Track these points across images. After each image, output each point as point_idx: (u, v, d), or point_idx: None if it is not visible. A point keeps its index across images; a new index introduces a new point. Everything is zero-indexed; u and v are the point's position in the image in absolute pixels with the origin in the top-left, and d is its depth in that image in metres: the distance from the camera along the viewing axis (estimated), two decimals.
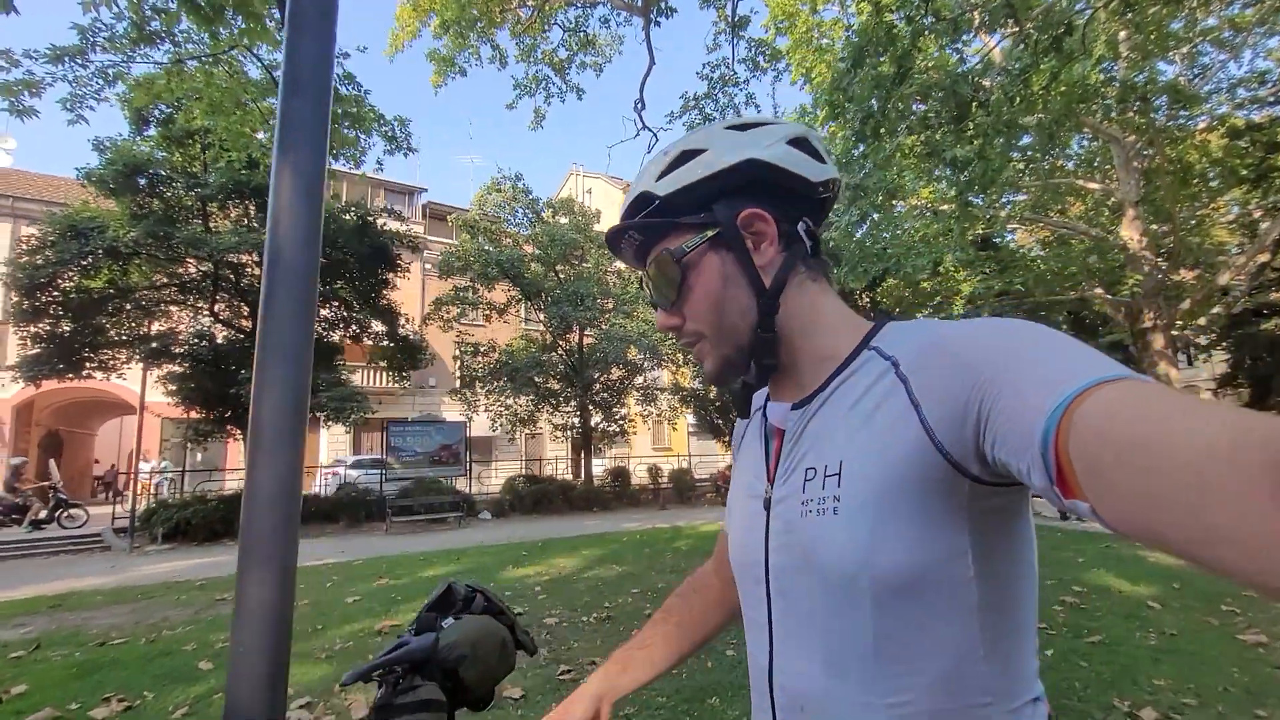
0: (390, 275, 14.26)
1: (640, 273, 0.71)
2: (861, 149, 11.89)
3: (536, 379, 15.42)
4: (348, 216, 13.61)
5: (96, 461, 26.37)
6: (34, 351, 10.98)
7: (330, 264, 13.35)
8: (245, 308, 13.12)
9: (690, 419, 21.76)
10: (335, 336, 14.37)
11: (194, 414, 12.65)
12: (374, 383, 21.28)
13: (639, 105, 13.50)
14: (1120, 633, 4.43)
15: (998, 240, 20.00)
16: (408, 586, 6.58)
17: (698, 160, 0.64)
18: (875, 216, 14.94)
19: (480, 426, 18.10)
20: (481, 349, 15.84)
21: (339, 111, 10.66)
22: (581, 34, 13.18)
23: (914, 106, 11.86)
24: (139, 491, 15.91)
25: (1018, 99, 11.50)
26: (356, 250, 12.99)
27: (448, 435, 15.62)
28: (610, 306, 17.08)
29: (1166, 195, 15.56)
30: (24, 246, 10.46)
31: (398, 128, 11.79)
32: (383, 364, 15.20)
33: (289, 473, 0.98)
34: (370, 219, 13.53)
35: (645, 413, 17.73)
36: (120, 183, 10.95)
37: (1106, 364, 0.44)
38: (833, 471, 0.58)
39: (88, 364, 11.81)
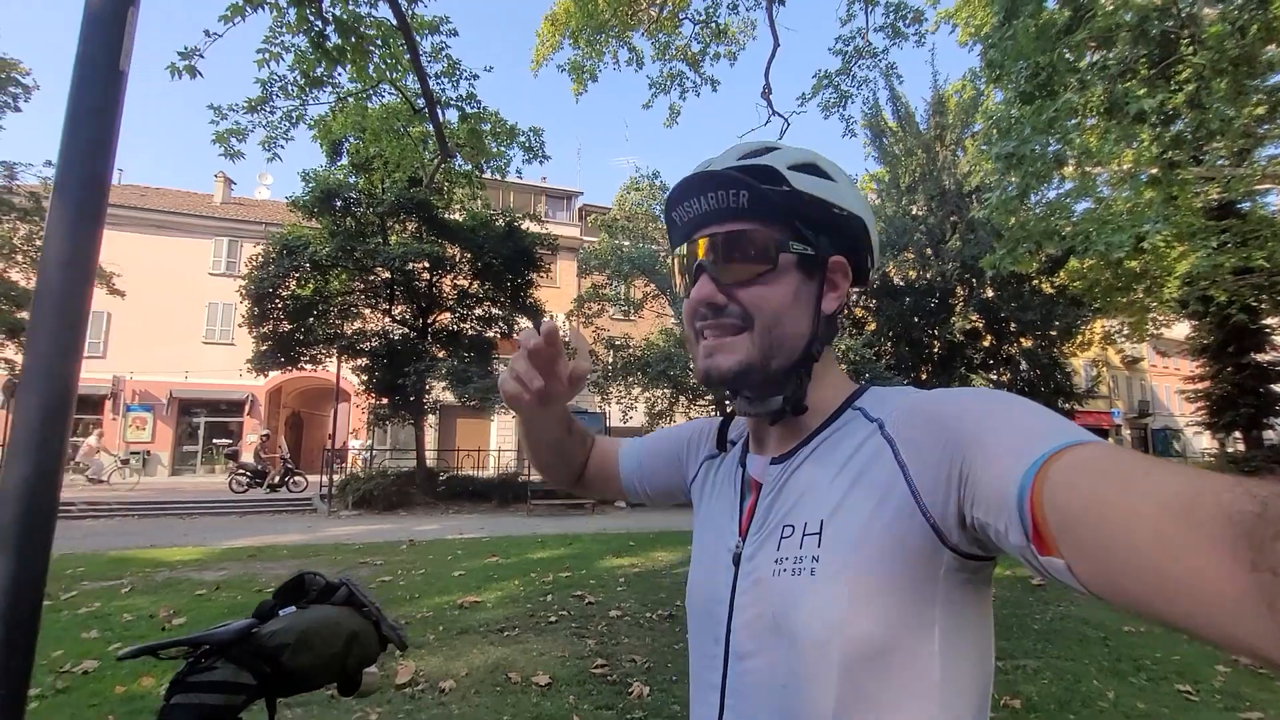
0: (534, 275, 15.35)
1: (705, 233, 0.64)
2: (1017, 113, 10.29)
3: (670, 372, 15.62)
4: (498, 223, 14.88)
5: (330, 437, 31.87)
6: (263, 349, 13.60)
7: (482, 268, 14.74)
8: (416, 309, 14.99)
9: None
10: (490, 333, 15.87)
11: (374, 400, 14.79)
12: None
13: (766, 90, 13.02)
14: None
15: (1244, 206, 16.04)
16: (510, 566, 7.12)
17: (828, 184, 0.64)
18: (1068, 184, 12.78)
19: (637, 420, 18.83)
20: (616, 344, 16.44)
21: (482, 129, 11.71)
22: (713, 24, 13.02)
23: (1089, 57, 9.98)
24: (352, 464, 19.08)
25: (1255, 27, 9.23)
26: (503, 253, 14.18)
27: (588, 425, 16.45)
28: None
29: None
30: (253, 264, 13.03)
31: (533, 137, 12.66)
32: None
33: (40, 474, 1.13)
34: (516, 224, 14.67)
35: None
36: (319, 206, 13.11)
37: (1077, 430, 0.45)
38: (813, 530, 0.57)
39: (302, 358, 14.34)
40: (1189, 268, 14.23)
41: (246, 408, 23.90)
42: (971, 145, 17.84)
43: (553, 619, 4.97)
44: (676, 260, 0.69)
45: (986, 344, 17.87)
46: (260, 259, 13.09)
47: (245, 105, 8.32)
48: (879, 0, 11.92)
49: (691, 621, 0.70)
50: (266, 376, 14.09)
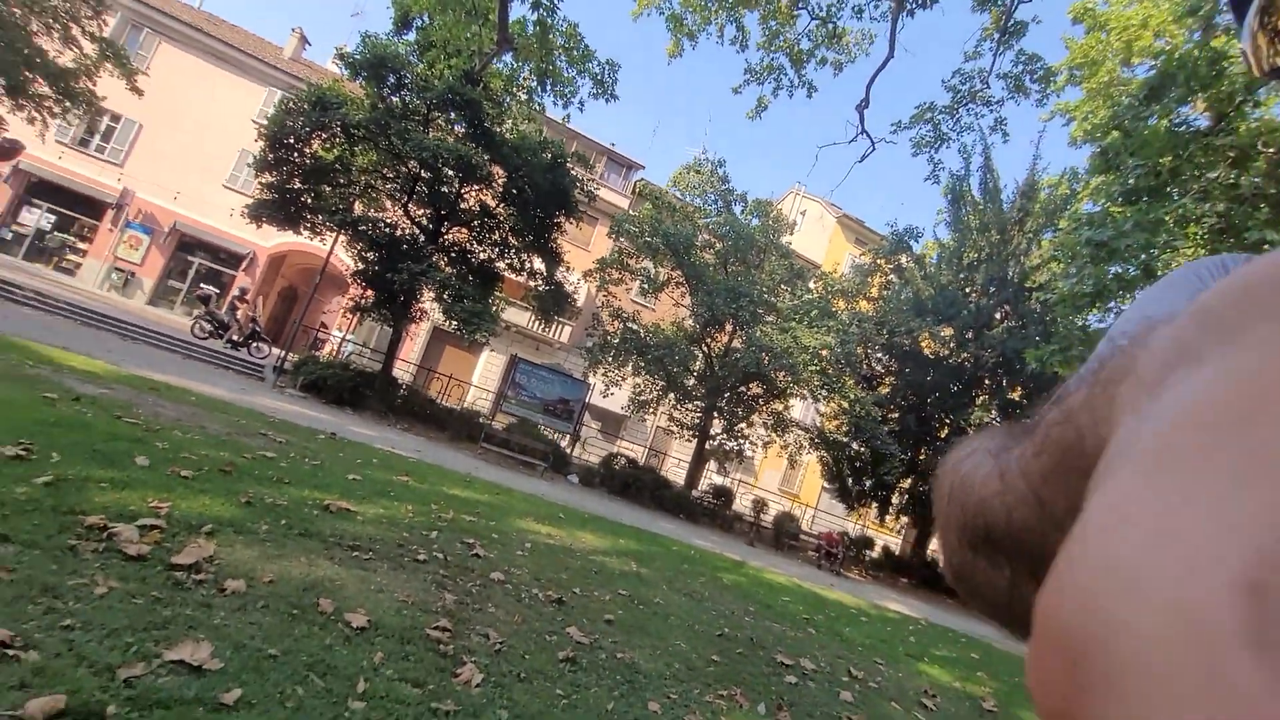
0: (564, 220, 14.47)
1: None
2: (1132, 215, 9.28)
3: (667, 362, 14.72)
4: (545, 155, 14.00)
5: (323, 326, 31.14)
6: (265, 198, 12.80)
7: (515, 193, 13.83)
8: (434, 214, 14.14)
9: (825, 479, 19.53)
10: (500, 264, 15.01)
11: (361, 290, 13.98)
12: (542, 329, 22.29)
13: (863, 103, 12.10)
14: None
15: None
16: (415, 490, 6.25)
17: None
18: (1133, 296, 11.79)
19: (617, 402, 17.95)
20: (623, 316, 15.53)
21: (555, 36, 10.78)
22: (831, 25, 12.15)
23: (1215, 173, 8.91)
24: (331, 352, 18.28)
25: None
26: (539, 184, 13.29)
27: (569, 390, 15.61)
28: (770, 319, 15.78)
29: None
30: (282, 106, 12.19)
31: (607, 70, 11.75)
32: (533, 303, 15.57)
33: None
34: (562, 160, 13.78)
35: (769, 439, 16.18)
36: (367, 70, 12.26)
37: None
38: None
39: (303, 222, 13.53)
40: None
41: (244, 264, 23.21)
42: (1048, 244, 16.86)
43: (422, 557, 4.10)
44: None
45: None
46: (289, 104, 12.25)
47: None
48: (1012, 44, 11.03)
49: None
50: (260, 227, 13.26)
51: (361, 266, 13.76)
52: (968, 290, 17.85)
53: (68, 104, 14.15)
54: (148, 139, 21.70)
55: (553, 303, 15.16)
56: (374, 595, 3.23)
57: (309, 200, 13.41)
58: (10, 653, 1.86)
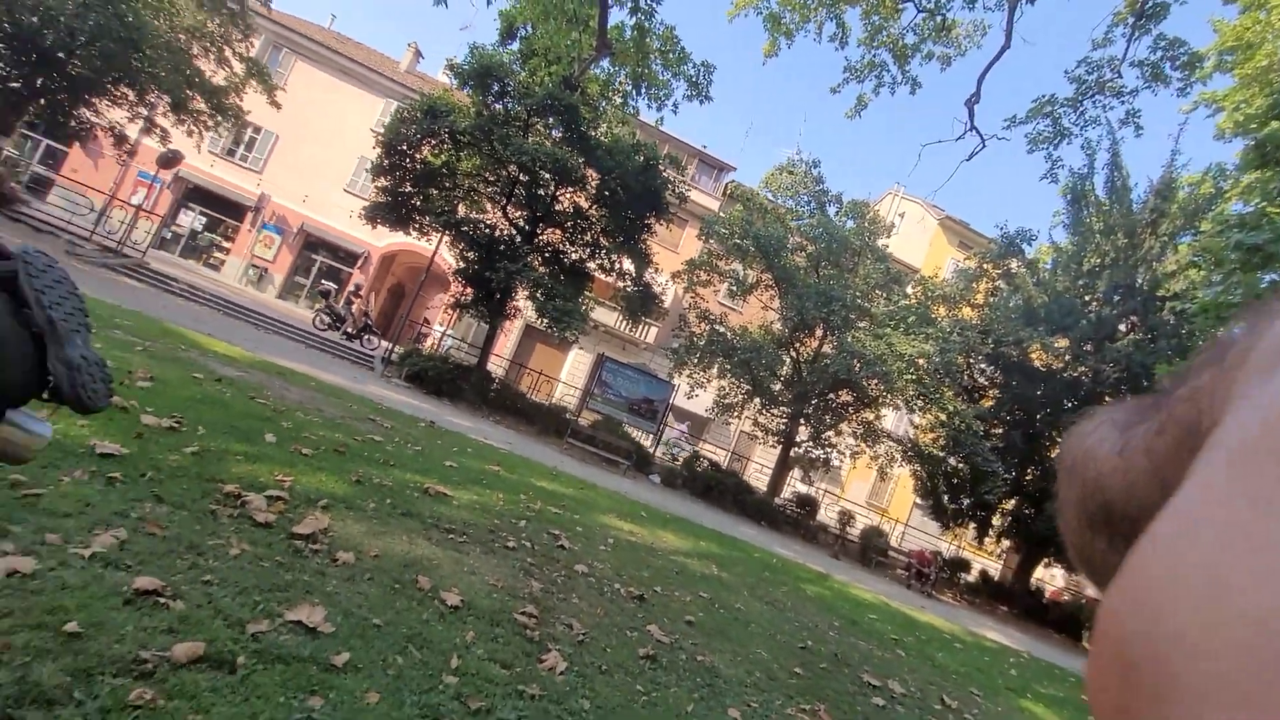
0: (655, 222, 14.58)
1: None
2: None
3: (754, 367, 14.50)
4: (638, 157, 14.17)
5: (426, 321, 33.12)
6: (380, 200, 13.77)
7: (607, 195, 14.08)
8: (530, 215, 14.68)
9: (916, 494, 18.50)
10: (591, 265, 15.36)
11: (461, 287, 14.74)
12: (629, 329, 22.60)
13: (974, 97, 11.42)
14: None
15: None
16: (506, 480, 6.52)
17: None
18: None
19: (701, 404, 17.94)
20: (710, 318, 15.43)
21: (654, 47, 10.90)
22: (940, 17, 11.55)
23: None
24: (433, 346, 19.47)
25: None
26: (631, 186, 13.46)
27: (654, 390, 15.71)
28: (863, 325, 15.18)
29: None
30: (398, 115, 13.11)
31: (702, 72, 11.74)
32: (622, 303, 15.80)
33: None
34: (654, 162, 13.89)
35: (858, 449, 15.54)
36: (474, 80, 12.92)
37: None
38: None
39: (412, 223, 14.45)
40: None
41: (360, 262, 25.07)
42: (1186, 248, 15.14)
43: (511, 545, 4.27)
44: None
45: None
46: (403, 113, 13.12)
47: None
48: (1149, 29, 10.03)
49: None
50: (375, 228, 14.31)
51: (462, 265, 14.53)
52: (1087, 298, 16.34)
53: (219, 118, 15.85)
54: (283, 148, 23.95)
55: (640, 303, 15.31)
56: (467, 577, 3.40)
57: (418, 203, 14.31)
58: (161, 600, 2.11)
